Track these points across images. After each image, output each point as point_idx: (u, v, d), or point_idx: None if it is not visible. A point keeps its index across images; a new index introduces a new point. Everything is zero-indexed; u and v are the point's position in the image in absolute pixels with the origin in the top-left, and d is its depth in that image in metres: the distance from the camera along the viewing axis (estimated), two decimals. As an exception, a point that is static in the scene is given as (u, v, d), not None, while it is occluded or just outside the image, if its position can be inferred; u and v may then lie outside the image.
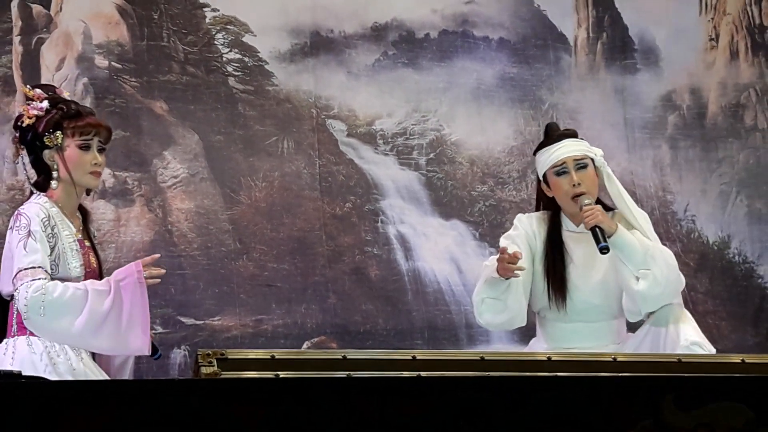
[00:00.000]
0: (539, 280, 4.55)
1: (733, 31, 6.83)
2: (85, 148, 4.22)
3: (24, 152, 4.27)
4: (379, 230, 6.10)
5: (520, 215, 4.68)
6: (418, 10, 6.39)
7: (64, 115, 4.22)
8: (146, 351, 4.19)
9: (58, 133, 4.20)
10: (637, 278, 4.37)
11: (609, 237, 4.37)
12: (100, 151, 4.26)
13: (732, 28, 6.84)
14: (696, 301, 6.20)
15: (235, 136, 5.95)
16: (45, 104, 4.23)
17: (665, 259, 4.41)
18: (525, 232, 4.60)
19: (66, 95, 4.36)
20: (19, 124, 4.26)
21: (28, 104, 4.25)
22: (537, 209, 4.70)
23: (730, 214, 6.63)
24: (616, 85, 6.61)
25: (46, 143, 4.20)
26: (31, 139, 4.23)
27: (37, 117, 4.21)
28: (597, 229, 4.38)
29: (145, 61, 5.88)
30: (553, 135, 4.60)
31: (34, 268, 4.07)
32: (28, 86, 4.36)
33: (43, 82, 5.59)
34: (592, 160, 4.55)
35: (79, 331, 4.06)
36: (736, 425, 3.12)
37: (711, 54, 6.81)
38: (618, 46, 6.66)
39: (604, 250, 4.36)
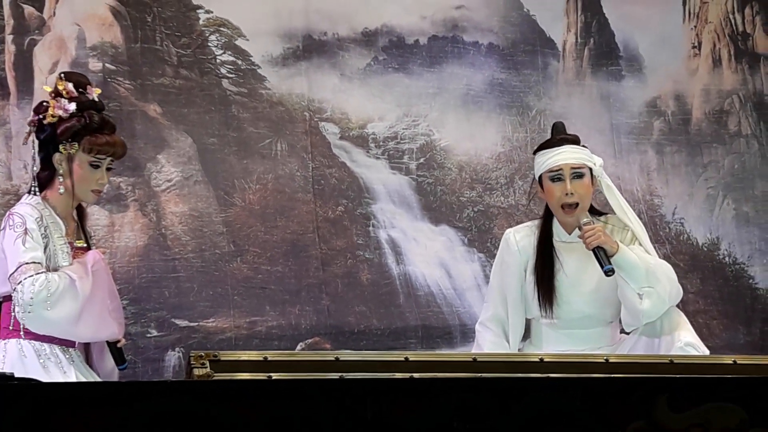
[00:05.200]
0: (530, 289, 4.55)
1: (715, 39, 6.85)
2: (95, 166, 4.20)
3: (36, 142, 4.20)
4: (371, 234, 6.09)
5: (507, 235, 4.63)
6: (407, 16, 6.39)
7: (86, 126, 4.17)
8: (119, 336, 4.19)
9: (75, 144, 4.16)
10: (640, 295, 4.32)
11: (611, 256, 4.31)
12: (109, 169, 4.24)
13: (714, 36, 6.86)
14: (687, 301, 6.19)
15: (228, 138, 5.94)
16: (72, 107, 4.16)
17: (666, 274, 4.39)
18: (516, 261, 4.55)
19: (96, 94, 4.27)
20: (40, 116, 4.20)
21: (57, 100, 4.18)
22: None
23: (717, 217, 6.65)
24: (602, 91, 6.62)
25: (60, 150, 4.17)
26: (46, 139, 4.19)
27: (60, 118, 4.17)
28: (600, 251, 4.32)
29: (138, 64, 5.86)
30: (554, 138, 4.54)
31: (35, 263, 4.05)
32: (62, 74, 4.27)
33: (36, 83, 5.53)
34: (590, 169, 4.51)
35: (73, 319, 4.05)
36: (729, 426, 3.12)
37: (694, 61, 6.83)
38: (604, 52, 6.67)
39: (609, 272, 4.28)
